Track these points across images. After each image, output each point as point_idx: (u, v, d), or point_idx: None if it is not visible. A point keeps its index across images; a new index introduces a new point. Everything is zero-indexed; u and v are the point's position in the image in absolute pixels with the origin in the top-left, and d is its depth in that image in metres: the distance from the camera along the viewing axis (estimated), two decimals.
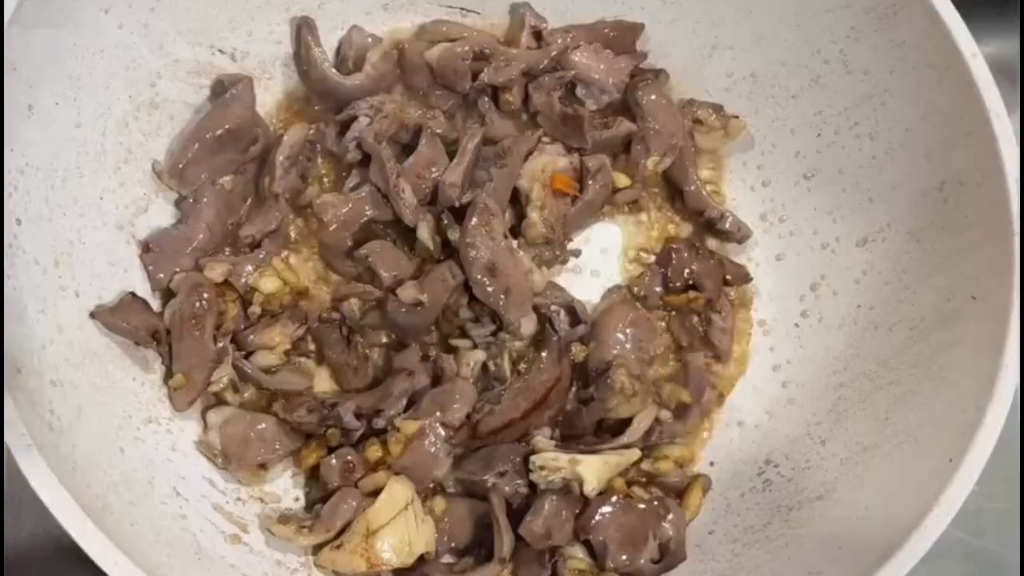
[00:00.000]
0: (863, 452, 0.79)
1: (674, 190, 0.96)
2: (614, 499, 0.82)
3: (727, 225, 0.94)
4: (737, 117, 0.95)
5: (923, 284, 0.82)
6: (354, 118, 0.89)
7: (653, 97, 0.93)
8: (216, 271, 0.85)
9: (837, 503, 0.77)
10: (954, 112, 0.79)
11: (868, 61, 0.85)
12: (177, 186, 0.88)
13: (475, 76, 0.92)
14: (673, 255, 0.92)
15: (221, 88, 0.89)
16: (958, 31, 0.77)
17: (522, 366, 0.88)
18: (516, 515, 0.82)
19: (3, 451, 0.62)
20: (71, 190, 0.79)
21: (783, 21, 0.89)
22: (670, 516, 0.82)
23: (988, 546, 0.91)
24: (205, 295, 0.83)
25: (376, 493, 0.80)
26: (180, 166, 0.87)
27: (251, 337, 0.84)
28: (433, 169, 0.88)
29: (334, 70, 0.91)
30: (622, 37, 0.95)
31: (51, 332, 0.73)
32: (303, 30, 0.91)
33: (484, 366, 0.87)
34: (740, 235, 0.94)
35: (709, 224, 0.94)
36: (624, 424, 0.85)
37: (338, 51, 0.95)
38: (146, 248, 0.85)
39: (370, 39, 0.94)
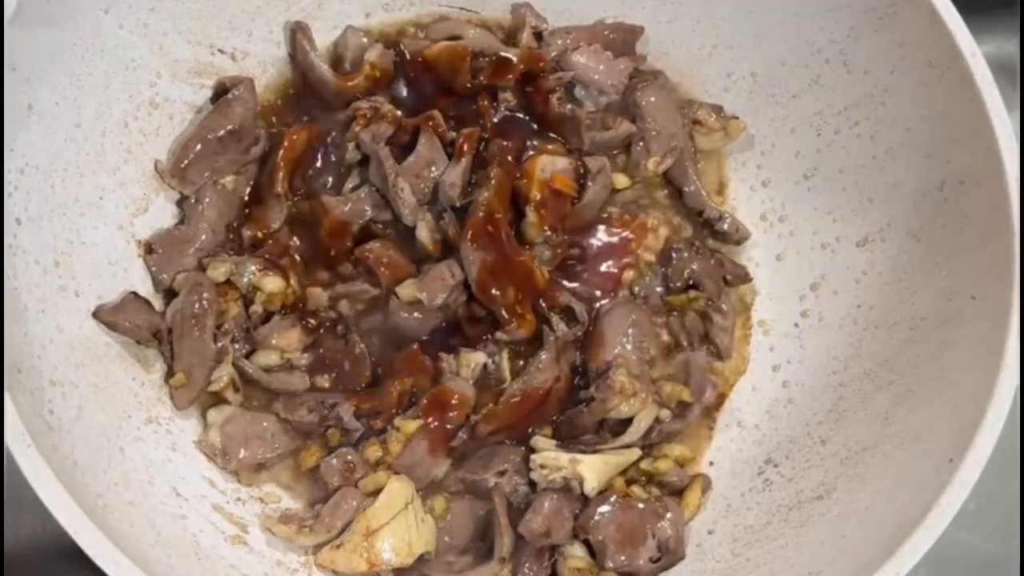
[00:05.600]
0: (863, 452, 0.79)
1: (674, 190, 0.96)
2: (613, 499, 0.82)
3: (725, 226, 0.94)
4: (737, 118, 0.95)
5: (923, 284, 0.82)
6: (353, 119, 0.89)
7: (653, 99, 0.93)
8: (219, 271, 0.85)
9: (837, 503, 0.77)
10: (954, 112, 0.79)
11: (868, 61, 0.85)
12: (179, 186, 0.88)
13: (475, 75, 0.92)
14: (673, 255, 0.92)
15: (223, 89, 0.89)
16: (958, 30, 0.77)
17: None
18: (516, 514, 0.82)
19: (3, 451, 0.62)
20: (71, 190, 0.79)
21: (783, 21, 0.89)
22: (669, 515, 0.82)
23: (989, 545, 0.91)
24: (205, 294, 0.83)
25: (376, 493, 0.80)
26: (182, 166, 0.87)
27: (273, 340, 0.85)
28: (432, 169, 0.88)
29: (332, 72, 0.91)
30: (622, 39, 0.96)
31: (51, 332, 0.73)
32: (297, 35, 0.91)
33: (484, 366, 0.87)
34: (738, 236, 0.94)
35: (708, 224, 0.94)
36: (624, 424, 0.85)
37: (334, 51, 0.94)
38: (149, 249, 0.85)
39: (365, 39, 0.94)
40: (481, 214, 0.84)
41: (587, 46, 0.94)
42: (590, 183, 0.91)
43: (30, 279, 0.73)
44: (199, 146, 0.87)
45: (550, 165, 0.90)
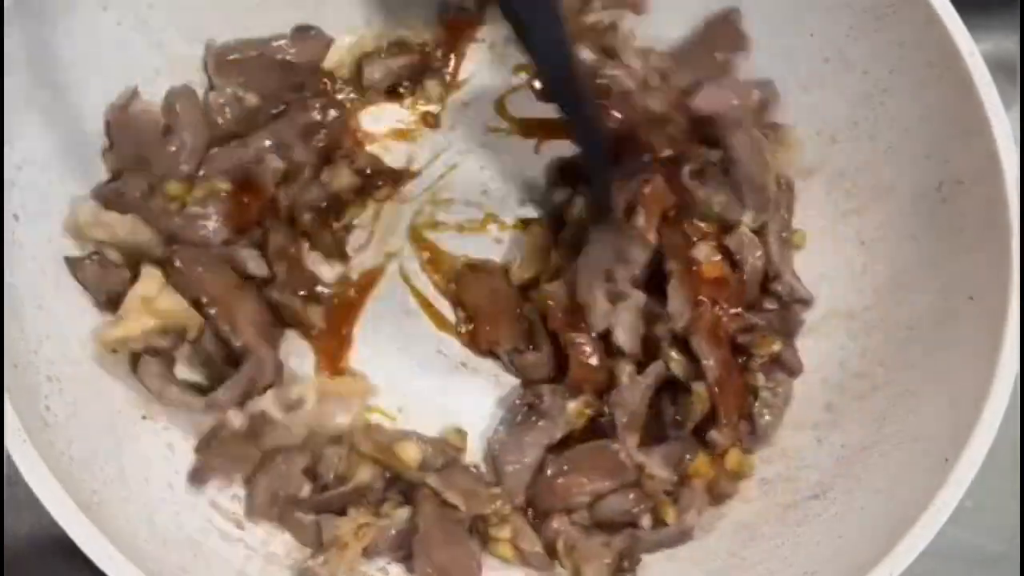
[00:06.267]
0: (860, 451, 0.79)
1: None
2: None
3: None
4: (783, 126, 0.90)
5: (921, 284, 0.82)
6: None
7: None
8: None
9: (833, 502, 0.77)
10: (953, 112, 0.79)
11: (867, 61, 0.85)
12: (213, 72, 0.87)
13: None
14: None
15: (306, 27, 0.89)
16: (956, 30, 0.77)
17: None
18: None
19: (3, 450, 0.62)
20: (69, 186, 0.79)
21: (782, 21, 0.89)
22: None
23: (986, 544, 0.91)
24: None
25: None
26: (230, 58, 0.87)
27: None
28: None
29: None
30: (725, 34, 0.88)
31: (48, 328, 0.73)
32: None
33: None
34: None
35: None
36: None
37: None
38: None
39: None
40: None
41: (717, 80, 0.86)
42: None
43: (27, 275, 0.73)
44: (258, 53, 0.86)
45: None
